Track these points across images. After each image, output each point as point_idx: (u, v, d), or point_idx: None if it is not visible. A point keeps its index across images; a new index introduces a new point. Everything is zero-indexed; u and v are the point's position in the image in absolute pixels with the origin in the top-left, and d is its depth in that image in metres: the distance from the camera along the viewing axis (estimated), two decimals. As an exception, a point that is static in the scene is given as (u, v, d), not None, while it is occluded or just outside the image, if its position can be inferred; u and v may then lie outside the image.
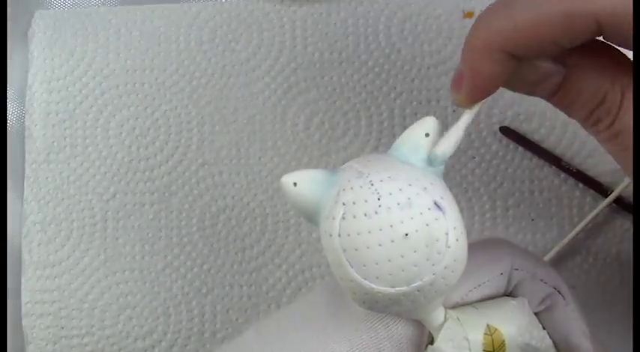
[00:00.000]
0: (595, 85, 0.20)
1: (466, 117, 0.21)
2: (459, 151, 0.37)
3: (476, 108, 0.21)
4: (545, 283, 0.25)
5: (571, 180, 0.36)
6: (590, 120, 0.21)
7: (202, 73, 0.39)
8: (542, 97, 0.22)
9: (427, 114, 0.37)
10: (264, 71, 0.39)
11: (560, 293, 0.25)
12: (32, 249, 0.37)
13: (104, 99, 0.39)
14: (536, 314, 0.24)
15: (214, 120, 0.38)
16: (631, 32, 0.18)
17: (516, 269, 0.25)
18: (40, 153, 0.38)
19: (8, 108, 0.40)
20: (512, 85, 0.21)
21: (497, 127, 0.37)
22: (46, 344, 0.36)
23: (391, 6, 0.38)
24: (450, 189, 0.37)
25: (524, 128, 0.36)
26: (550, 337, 0.24)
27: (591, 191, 0.36)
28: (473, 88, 0.20)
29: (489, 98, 0.21)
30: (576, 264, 0.36)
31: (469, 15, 0.38)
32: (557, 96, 0.21)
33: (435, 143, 0.21)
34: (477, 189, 0.37)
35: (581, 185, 0.36)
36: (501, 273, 0.24)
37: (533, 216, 0.36)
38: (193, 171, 0.38)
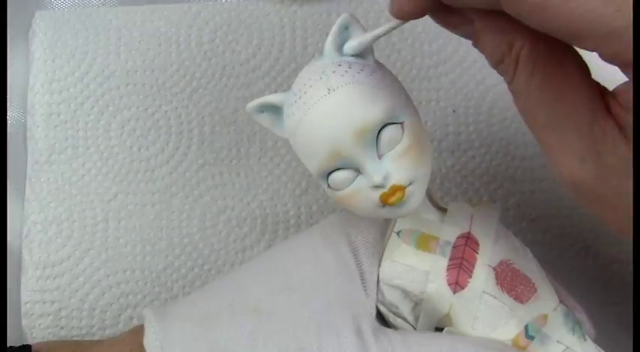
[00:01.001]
0: (494, 44, 0.22)
1: (385, 26, 0.23)
2: (460, 151, 0.37)
3: (398, 22, 0.23)
4: None
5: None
6: (498, 71, 0.23)
7: (202, 74, 0.39)
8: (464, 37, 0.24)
9: (427, 114, 0.38)
10: (264, 71, 0.39)
11: None
12: (32, 249, 0.37)
13: (105, 101, 0.39)
14: None
15: (214, 120, 0.38)
16: (527, 15, 0.19)
17: None
18: (42, 154, 0.38)
19: (9, 109, 0.40)
20: (438, 21, 0.23)
21: (497, 127, 0.37)
22: (47, 345, 0.36)
23: (391, 6, 0.38)
24: (450, 189, 0.37)
25: (524, 128, 0.36)
26: None
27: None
28: (398, 8, 0.22)
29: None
30: (576, 264, 0.36)
31: (469, 15, 0.38)
32: (474, 42, 0.23)
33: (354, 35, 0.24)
34: (477, 189, 0.37)
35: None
36: None
37: (533, 217, 0.36)
38: (194, 172, 0.38)
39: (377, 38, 0.24)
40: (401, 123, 0.24)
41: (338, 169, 0.24)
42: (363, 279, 0.27)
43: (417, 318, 0.26)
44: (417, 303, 0.26)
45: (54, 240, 0.37)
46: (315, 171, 0.24)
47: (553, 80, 0.21)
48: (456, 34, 0.23)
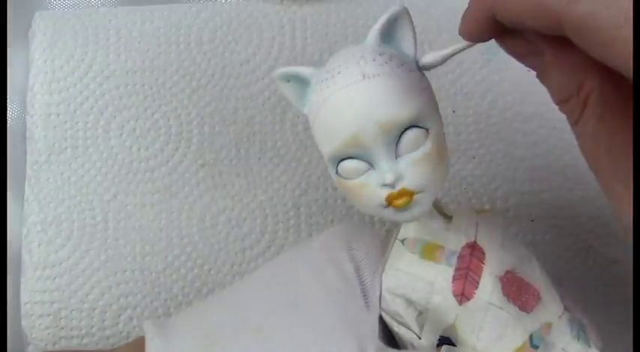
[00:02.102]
0: (562, 81, 0.20)
1: (454, 46, 0.23)
2: (459, 152, 0.37)
3: (466, 44, 0.23)
4: None
5: (570, 182, 0.36)
6: (562, 110, 0.21)
7: (202, 74, 0.39)
8: (530, 68, 0.22)
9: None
10: (264, 72, 0.39)
11: None
12: (32, 250, 0.37)
13: (104, 101, 0.39)
14: None
15: (214, 120, 0.38)
16: (593, 44, 0.17)
17: None
18: (42, 154, 0.38)
19: (9, 110, 0.40)
20: (505, 48, 0.22)
21: (497, 128, 0.37)
22: (46, 345, 0.36)
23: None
24: (450, 190, 0.37)
25: (524, 128, 0.36)
26: None
27: (591, 192, 0.36)
28: (465, 31, 0.22)
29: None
30: (576, 265, 0.36)
31: (469, 15, 0.38)
32: (539, 74, 0.22)
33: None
34: (477, 190, 0.37)
35: (580, 186, 0.36)
36: None
37: (533, 217, 0.36)
38: (193, 172, 0.38)
39: (447, 58, 0.23)
40: (427, 129, 0.23)
41: (351, 158, 0.23)
42: (365, 295, 0.26)
43: (421, 327, 0.26)
44: (422, 312, 0.26)
45: (53, 240, 0.37)
46: (327, 154, 0.24)
47: (623, 127, 0.19)
48: (523, 63, 0.22)
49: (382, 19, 0.23)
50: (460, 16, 0.22)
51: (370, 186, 0.23)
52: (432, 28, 0.38)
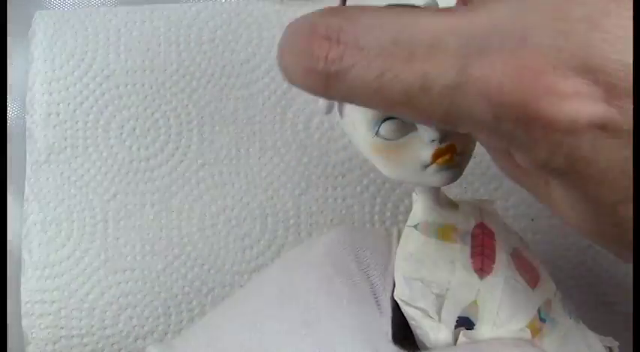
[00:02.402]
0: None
1: None
2: (459, 151, 0.37)
3: None
4: None
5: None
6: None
7: (202, 74, 0.39)
8: None
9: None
10: (264, 71, 0.39)
11: None
12: (32, 249, 0.37)
13: (104, 100, 0.39)
14: None
15: (214, 120, 0.38)
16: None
17: None
18: (41, 153, 0.38)
19: (9, 109, 0.40)
20: None
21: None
22: (46, 344, 0.36)
23: (391, 6, 0.38)
24: (450, 188, 0.37)
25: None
26: None
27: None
28: None
29: None
30: (577, 265, 0.36)
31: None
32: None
33: None
34: (477, 189, 0.37)
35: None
36: None
37: (533, 216, 0.36)
38: (193, 172, 0.38)
39: None
40: None
41: (396, 118, 0.24)
42: (377, 299, 0.26)
43: (438, 311, 0.26)
44: (439, 295, 0.26)
45: (53, 240, 0.37)
46: (370, 114, 0.24)
47: None
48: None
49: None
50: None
51: (413, 146, 0.24)
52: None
